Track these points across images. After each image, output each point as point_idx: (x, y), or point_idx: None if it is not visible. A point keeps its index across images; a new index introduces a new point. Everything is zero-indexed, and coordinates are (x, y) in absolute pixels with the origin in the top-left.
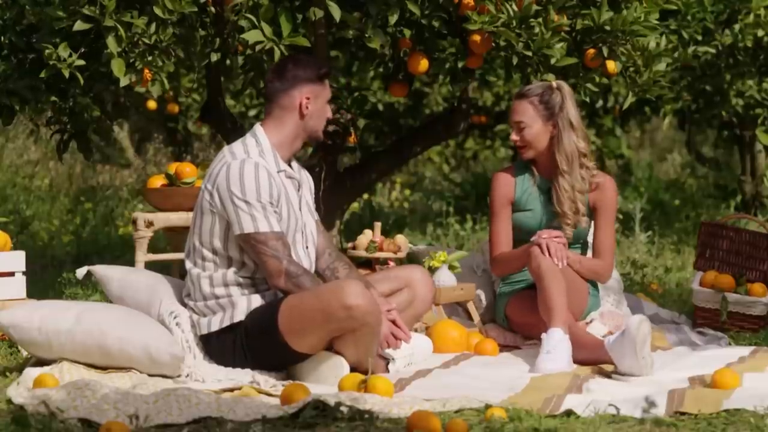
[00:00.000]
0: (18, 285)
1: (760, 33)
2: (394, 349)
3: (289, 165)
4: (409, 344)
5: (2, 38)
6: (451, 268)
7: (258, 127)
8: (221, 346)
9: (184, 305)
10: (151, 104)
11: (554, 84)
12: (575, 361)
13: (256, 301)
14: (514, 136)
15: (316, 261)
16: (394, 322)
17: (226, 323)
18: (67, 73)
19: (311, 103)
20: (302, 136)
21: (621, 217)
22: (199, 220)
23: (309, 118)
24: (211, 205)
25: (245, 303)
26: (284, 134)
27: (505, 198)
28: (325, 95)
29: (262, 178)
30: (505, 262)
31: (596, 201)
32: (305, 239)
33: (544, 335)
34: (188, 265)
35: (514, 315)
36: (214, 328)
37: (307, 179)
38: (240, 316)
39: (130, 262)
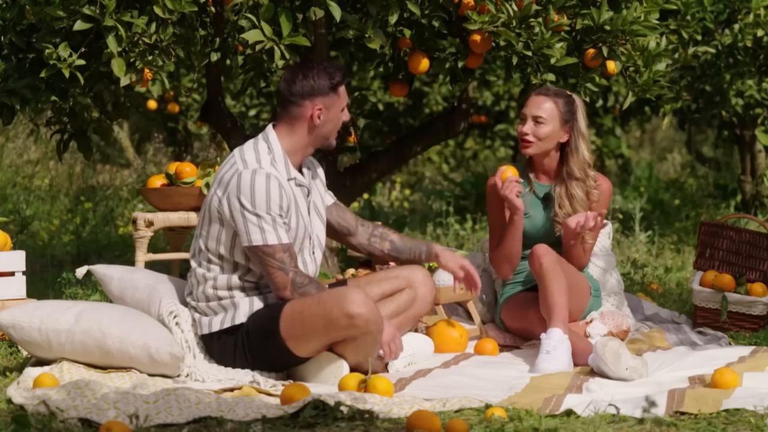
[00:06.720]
0: (18, 285)
1: (760, 33)
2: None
3: (300, 170)
4: (409, 345)
5: (2, 38)
6: None
7: (270, 131)
8: (222, 347)
9: (185, 304)
10: (151, 104)
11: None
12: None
13: (258, 303)
14: (524, 129)
15: (349, 237)
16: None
17: (227, 324)
18: (67, 73)
19: (323, 114)
20: (314, 143)
21: (621, 216)
22: (206, 225)
23: (321, 127)
24: (219, 212)
25: (247, 305)
26: (295, 142)
27: (503, 203)
28: (339, 103)
29: (272, 190)
30: (500, 247)
31: (591, 202)
32: (312, 245)
33: (543, 335)
34: (193, 264)
35: (507, 320)
36: (215, 328)
37: (320, 174)
38: (241, 318)
39: (130, 262)
